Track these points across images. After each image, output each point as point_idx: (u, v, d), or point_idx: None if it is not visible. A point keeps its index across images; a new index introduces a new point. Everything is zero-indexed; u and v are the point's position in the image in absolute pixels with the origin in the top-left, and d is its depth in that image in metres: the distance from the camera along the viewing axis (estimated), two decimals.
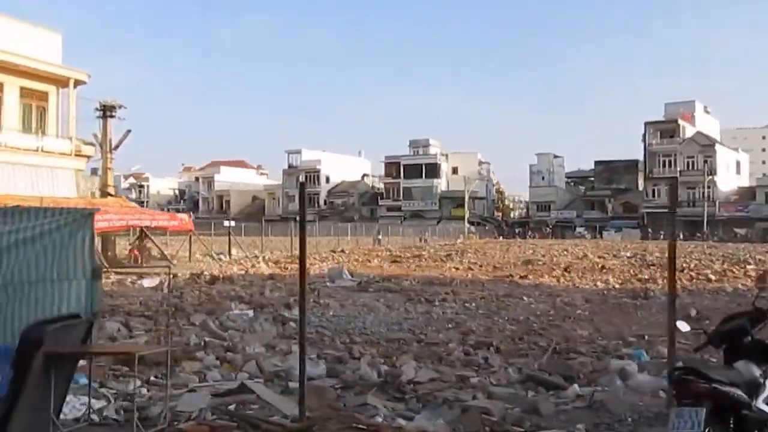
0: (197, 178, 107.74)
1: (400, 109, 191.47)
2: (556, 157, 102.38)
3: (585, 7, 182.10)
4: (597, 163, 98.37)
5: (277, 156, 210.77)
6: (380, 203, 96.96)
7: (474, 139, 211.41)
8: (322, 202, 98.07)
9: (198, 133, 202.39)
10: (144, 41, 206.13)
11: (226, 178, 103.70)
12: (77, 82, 31.95)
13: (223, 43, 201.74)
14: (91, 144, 32.95)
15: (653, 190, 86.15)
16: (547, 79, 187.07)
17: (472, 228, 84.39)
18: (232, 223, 38.29)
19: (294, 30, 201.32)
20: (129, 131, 33.17)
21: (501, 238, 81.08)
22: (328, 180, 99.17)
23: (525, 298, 17.13)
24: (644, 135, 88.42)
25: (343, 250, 42.12)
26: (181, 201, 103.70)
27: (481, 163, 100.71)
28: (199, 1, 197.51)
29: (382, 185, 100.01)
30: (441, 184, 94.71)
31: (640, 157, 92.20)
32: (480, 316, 14.20)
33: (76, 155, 31.53)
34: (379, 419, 7.59)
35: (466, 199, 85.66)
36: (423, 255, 34.72)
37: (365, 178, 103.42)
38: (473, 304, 15.74)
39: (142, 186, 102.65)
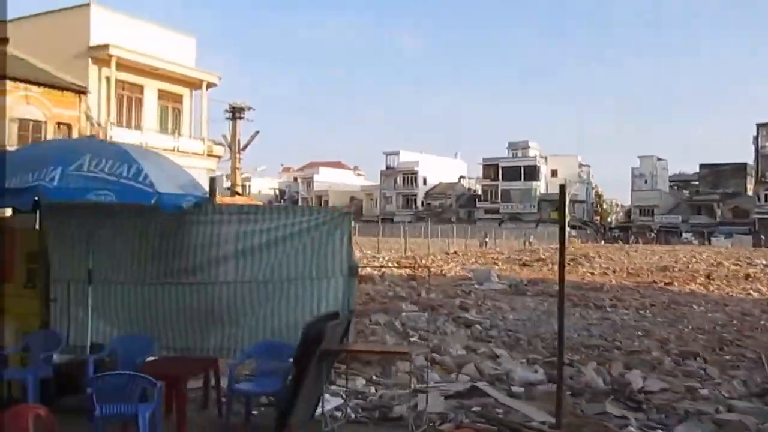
0: (295, 179, 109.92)
1: (496, 110, 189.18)
2: (659, 159, 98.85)
3: (697, 7, 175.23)
4: (702, 166, 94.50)
5: (373, 157, 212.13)
6: (478, 205, 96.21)
7: (571, 141, 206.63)
8: (419, 204, 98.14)
9: (295, 134, 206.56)
10: (245, 44, 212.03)
11: (325, 178, 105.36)
12: (209, 85, 33.09)
13: (318, 45, 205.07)
14: (221, 144, 34.00)
15: (766, 195, 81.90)
16: (645, 80, 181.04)
17: (573, 232, 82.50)
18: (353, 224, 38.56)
19: (388, 33, 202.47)
20: (257, 132, 34.14)
21: (603, 242, 78.89)
22: (425, 182, 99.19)
23: (695, 306, 16.42)
24: (756, 137, 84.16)
25: (455, 252, 41.85)
26: (281, 201, 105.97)
27: (581, 165, 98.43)
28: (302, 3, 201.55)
29: (479, 187, 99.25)
30: (540, 186, 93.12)
31: (749, 160, 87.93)
32: (661, 324, 13.65)
33: (207, 155, 32.64)
34: (632, 429, 7.33)
35: (567, 202, 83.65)
36: (545, 259, 33.99)
37: (462, 180, 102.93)
38: (647, 312, 15.19)
39: (244, 185, 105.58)
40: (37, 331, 7.92)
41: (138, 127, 29.79)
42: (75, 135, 26.77)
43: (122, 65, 28.70)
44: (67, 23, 28.27)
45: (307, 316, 7.32)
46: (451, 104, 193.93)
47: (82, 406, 7.34)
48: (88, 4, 28.22)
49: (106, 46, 27.68)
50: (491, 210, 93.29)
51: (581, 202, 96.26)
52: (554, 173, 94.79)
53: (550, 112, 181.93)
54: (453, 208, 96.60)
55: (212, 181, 7.89)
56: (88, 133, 27.50)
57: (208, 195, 7.94)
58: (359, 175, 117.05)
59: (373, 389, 8.63)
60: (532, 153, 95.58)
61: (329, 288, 7.37)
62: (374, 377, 9.10)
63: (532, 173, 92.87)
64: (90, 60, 27.99)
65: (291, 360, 6.88)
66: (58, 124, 26.41)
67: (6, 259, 8.12)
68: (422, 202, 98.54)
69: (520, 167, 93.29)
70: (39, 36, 28.63)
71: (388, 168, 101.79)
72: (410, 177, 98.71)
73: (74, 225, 7.99)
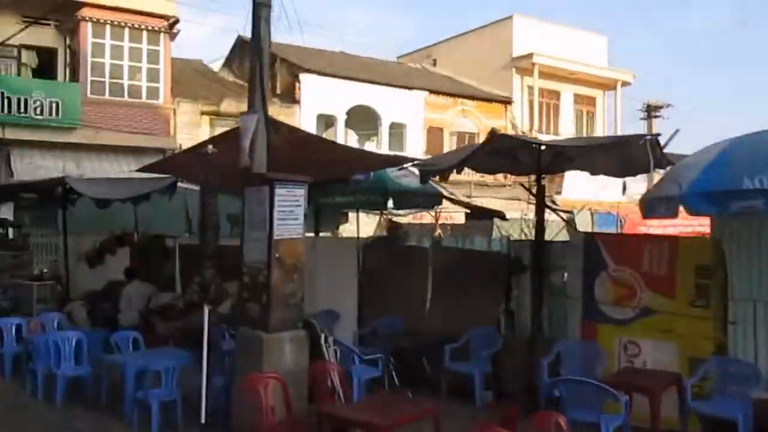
0: None
1: None
2: None
3: None
4: None
5: None
6: None
7: None
8: None
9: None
10: None
11: None
12: (623, 84, 31.32)
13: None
14: None
15: None
16: None
17: None
18: None
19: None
20: (677, 131, 31.14)
21: None
22: None
23: None
24: None
25: None
26: None
27: None
28: None
29: None
30: None
31: None
32: None
33: None
34: None
35: None
36: None
37: None
38: None
39: None
40: (714, 358, 6.75)
41: (555, 132, 29.20)
42: None
43: (542, 72, 28.38)
44: (491, 37, 28.90)
45: None
46: None
47: None
48: (511, 17, 28.49)
49: (529, 56, 27.59)
50: None
51: None
52: None
53: None
54: None
55: None
56: None
57: None
58: None
59: None
60: None
61: None
62: None
63: None
64: (513, 70, 28.19)
65: None
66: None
67: (669, 273, 7.15)
68: None
69: None
70: (463, 53, 29.81)
71: None
72: None
73: (762, 233, 6.66)
